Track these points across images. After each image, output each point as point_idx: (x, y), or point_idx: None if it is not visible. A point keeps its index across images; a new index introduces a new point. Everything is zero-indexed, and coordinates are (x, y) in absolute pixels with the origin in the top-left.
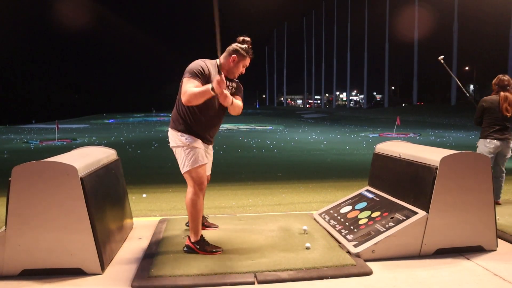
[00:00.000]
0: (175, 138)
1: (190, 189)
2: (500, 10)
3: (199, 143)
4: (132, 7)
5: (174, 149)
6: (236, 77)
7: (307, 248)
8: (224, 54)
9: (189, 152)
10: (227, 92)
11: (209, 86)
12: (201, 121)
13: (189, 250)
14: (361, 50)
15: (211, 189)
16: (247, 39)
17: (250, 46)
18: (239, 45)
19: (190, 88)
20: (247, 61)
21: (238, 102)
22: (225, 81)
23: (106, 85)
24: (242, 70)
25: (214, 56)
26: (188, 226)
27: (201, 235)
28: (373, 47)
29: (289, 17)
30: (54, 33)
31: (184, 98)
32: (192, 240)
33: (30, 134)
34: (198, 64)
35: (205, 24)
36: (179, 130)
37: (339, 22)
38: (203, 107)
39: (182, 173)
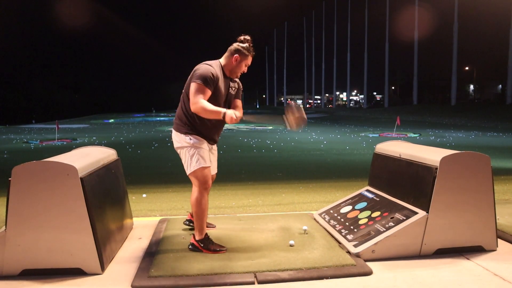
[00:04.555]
0: (180, 139)
1: (195, 189)
2: (500, 10)
3: (204, 144)
4: (132, 7)
5: (178, 150)
6: (239, 76)
7: (291, 246)
8: (226, 54)
9: (194, 153)
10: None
11: (221, 111)
12: (207, 123)
13: (194, 248)
14: (361, 50)
15: (211, 189)
16: (248, 37)
17: (251, 44)
18: (240, 44)
19: (202, 101)
20: (249, 60)
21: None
22: (237, 119)
23: (106, 85)
24: (244, 69)
25: (211, 56)
26: (186, 224)
27: (206, 234)
28: (373, 47)
29: (289, 17)
30: (54, 33)
31: (193, 107)
32: (197, 238)
33: (30, 134)
34: (209, 70)
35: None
36: (183, 132)
37: (339, 22)
38: None
39: (188, 174)
